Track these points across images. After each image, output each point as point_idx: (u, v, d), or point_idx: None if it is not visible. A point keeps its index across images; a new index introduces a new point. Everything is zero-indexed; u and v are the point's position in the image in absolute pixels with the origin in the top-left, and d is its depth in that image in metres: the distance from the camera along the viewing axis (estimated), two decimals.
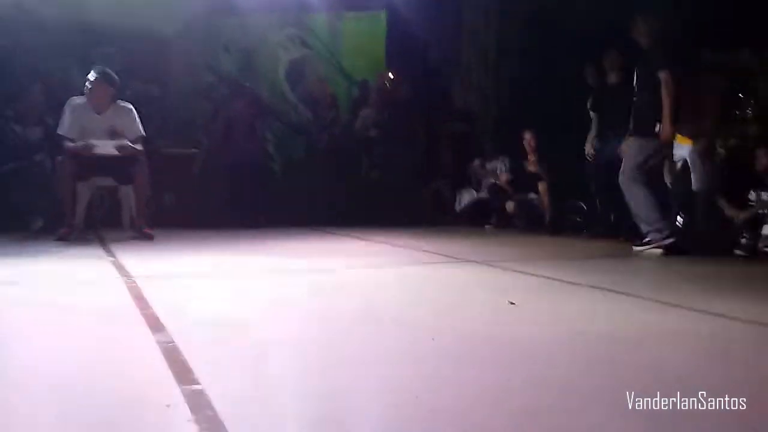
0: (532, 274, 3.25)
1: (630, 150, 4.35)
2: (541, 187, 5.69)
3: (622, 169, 4.33)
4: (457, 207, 6.24)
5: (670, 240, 4.06)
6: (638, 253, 4.13)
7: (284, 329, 2.09)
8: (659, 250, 4.05)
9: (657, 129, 4.16)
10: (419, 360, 1.72)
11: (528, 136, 5.87)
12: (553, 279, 3.08)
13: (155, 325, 2.02)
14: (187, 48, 7.53)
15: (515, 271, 3.38)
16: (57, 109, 4.85)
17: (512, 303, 2.37)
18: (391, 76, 7.03)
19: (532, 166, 5.84)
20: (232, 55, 7.84)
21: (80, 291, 2.69)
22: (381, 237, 4.87)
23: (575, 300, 2.63)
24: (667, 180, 4.74)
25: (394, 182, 6.42)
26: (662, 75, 4.11)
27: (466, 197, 6.18)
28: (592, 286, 2.87)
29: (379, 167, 6.72)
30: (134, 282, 2.75)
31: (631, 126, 4.40)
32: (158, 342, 1.81)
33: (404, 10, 7.27)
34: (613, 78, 5.29)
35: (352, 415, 1.36)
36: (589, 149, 5.49)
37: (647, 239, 4.13)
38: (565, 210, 5.71)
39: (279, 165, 7.32)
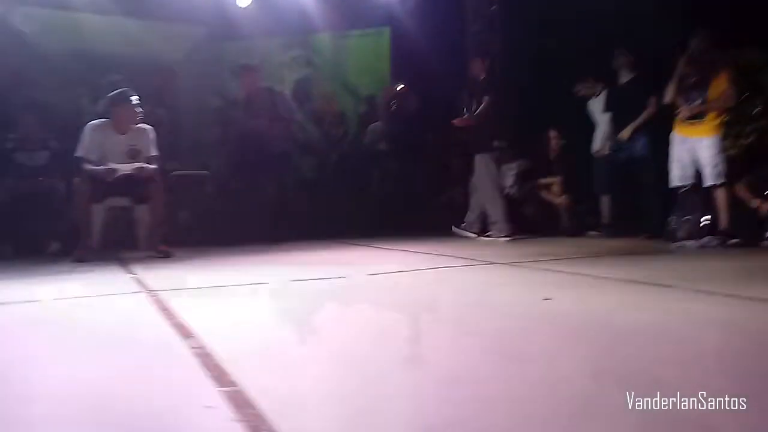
0: (561, 271, 3.19)
1: (480, 168, 5.38)
2: (557, 187, 5.65)
3: (482, 182, 5.40)
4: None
5: (510, 236, 5.20)
6: (480, 240, 5.29)
7: (313, 330, 2.04)
8: (503, 238, 5.18)
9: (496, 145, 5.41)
10: (466, 357, 1.67)
11: (553, 135, 5.86)
12: (584, 275, 3.02)
13: (185, 332, 1.98)
14: (193, 72, 7.57)
15: (543, 269, 3.32)
16: (61, 135, 4.87)
17: (548, 299, 2.32)
18: (399, 89, 7.04)
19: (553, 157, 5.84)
20: (238, 78, 7.87)
21: (104, 306, 2.65)
22: (398, 246, 4.82)
23: (611, 292, 2.57)
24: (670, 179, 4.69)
25: (407, 194, 6.38)
26: (485, 99, 5.29)
27: None
28: (627, 280, 2.81)
29: (390, 180, 6.68)
30: (157, 296, 2.70)
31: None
32: (191, 348, 1.77)
33: (407, 24, 7.30)
34: (623, 77, 5.27)
35: (389, 408, 1.32)
36: (601, 148, 5.50)
37: (490, 233, 5.34)
38: (581, 211, 5.66)
39: (290, 184, 7.31)
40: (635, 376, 1.39)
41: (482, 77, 5.41)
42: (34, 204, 4.49)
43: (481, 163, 5.36)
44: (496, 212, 5.30)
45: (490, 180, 5.35)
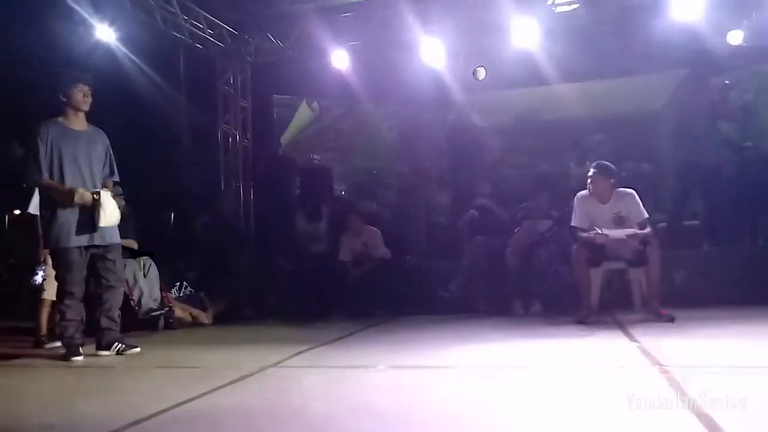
0: None
1: None
2: None
3: None
4: None
5: None
6: None
7: None
8: None
9: None
10: None
11: None
12: None
13: (710, 424, 1.86)
14: (674, 117, 7.31)
15: None
16: (560, 203, 5.38)
17: None
18: None
19: None
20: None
21: (610, 377, 2.70)
22: None
23: None
24: None
25: None
26: None
27: None
28: None
29: None
30: (669, 371, 2.62)
31: None
32: None
33: None
34: None
35: None
36: None
37: None
38: None
39: None
40: None
41: None
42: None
43: None
44: None
45: None
